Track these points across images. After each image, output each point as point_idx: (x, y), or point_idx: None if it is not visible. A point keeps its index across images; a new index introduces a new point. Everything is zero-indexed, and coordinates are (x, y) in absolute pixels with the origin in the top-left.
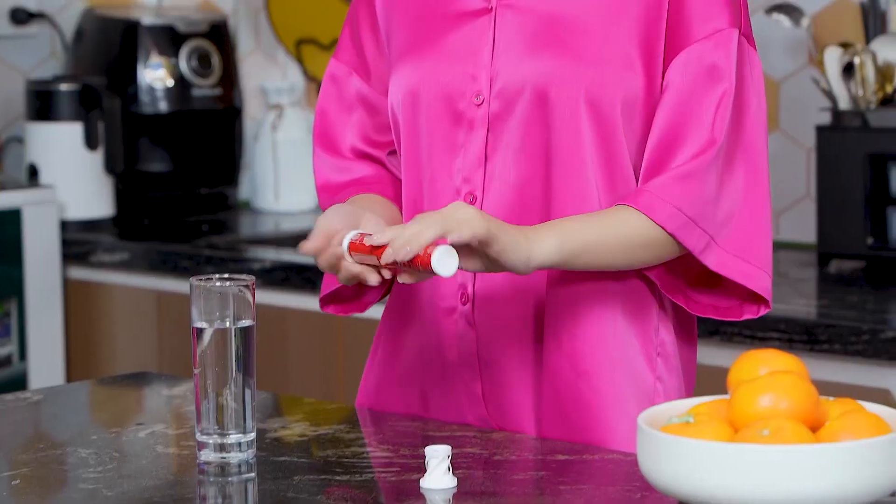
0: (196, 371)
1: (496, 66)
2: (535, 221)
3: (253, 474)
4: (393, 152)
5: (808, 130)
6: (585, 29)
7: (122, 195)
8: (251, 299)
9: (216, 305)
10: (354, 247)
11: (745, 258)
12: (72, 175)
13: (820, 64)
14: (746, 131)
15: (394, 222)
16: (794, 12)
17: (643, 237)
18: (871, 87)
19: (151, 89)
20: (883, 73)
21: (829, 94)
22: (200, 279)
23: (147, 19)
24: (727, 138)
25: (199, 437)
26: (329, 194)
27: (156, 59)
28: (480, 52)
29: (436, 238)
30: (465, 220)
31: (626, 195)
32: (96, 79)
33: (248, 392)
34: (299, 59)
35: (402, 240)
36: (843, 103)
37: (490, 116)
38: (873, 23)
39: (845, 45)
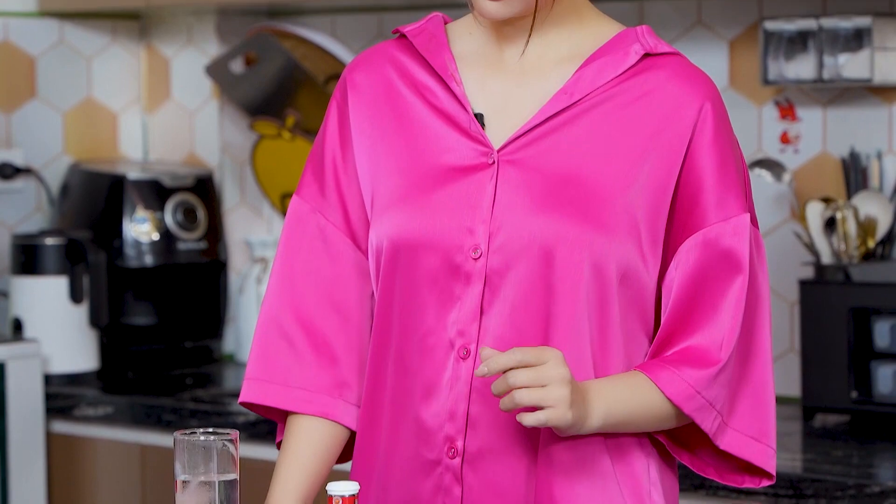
0: None
1: (497, 221)
2: None
3: None
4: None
5: (792, 284)
6: (594, 191)
7: (107, 348)
8: (235, 453)
9: (200, 459)
10: None
11: (755, 437)
12: (56, 329)
13: (802, 218)
14: (758, 316)
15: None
16: (776, 167)
17: (666, 412)
18: (853, 241)
19: (137, 243)
20: (864, 227)
21: (812, 249)
22: (184, 433)
23: (133, 174)
24: (742, 330)
25: None
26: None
27: (141, 213)
28: (479, 207)
29: (531, 404)
30: (559, 401)
31: (648, 366)
32: (82, 233)
33: None
34: (284, 213)
35: (518, 379)
36: (826, 258)
37: (488, 271)
38: (854, 178)
39: (827, 200)
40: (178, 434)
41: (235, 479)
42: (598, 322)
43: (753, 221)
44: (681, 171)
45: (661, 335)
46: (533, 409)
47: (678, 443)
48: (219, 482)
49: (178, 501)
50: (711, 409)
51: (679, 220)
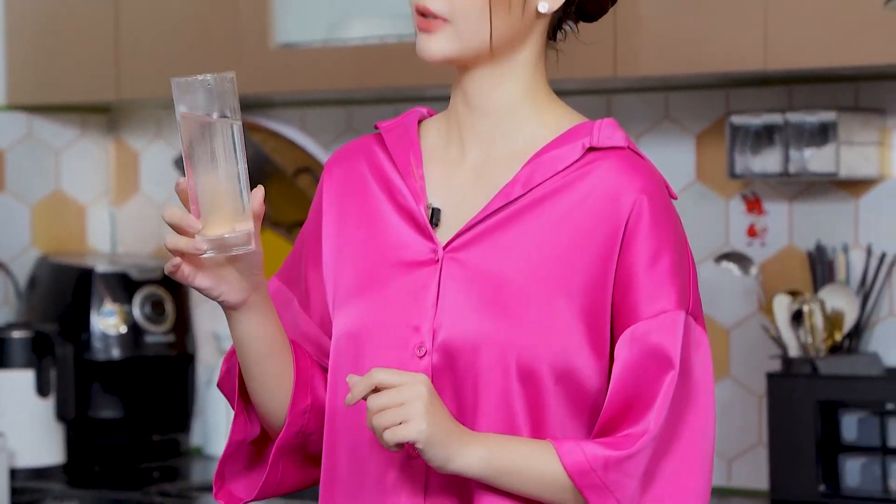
0: None
1: (439, 318)
2: None
3: None
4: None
5: (759, 377)
6: (527, 294)
7: (73, 442)
8: None
9: None
10: None
11: None
12: (22, 422)
13: (769, 312)
14: (690, 417)
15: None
16: (743, 261)
17: (562, 483)
18: (819, 334)
19: (104, 336)
20: (831, 321)
21: (779, 342)
22: None
23: (101, 267)
24: (667, 424)
25: None
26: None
27: (109, 306)
28: (424, 303)
29: (390, 424)
30: (415, 414)
31: (560, 438)
32: (49, 326)
33: None
34: None
35: (375, 403)
36: (793, 350)
37: (433, 369)
38: (821, 271)
39: (794, 294)
40: None
41: None
42: (534, 422)
43: (696, 317)
44: (616, 267)
45: (595, 429)
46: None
47: None
48: None
49: None
50: (609, 495)
51: (617, 315)
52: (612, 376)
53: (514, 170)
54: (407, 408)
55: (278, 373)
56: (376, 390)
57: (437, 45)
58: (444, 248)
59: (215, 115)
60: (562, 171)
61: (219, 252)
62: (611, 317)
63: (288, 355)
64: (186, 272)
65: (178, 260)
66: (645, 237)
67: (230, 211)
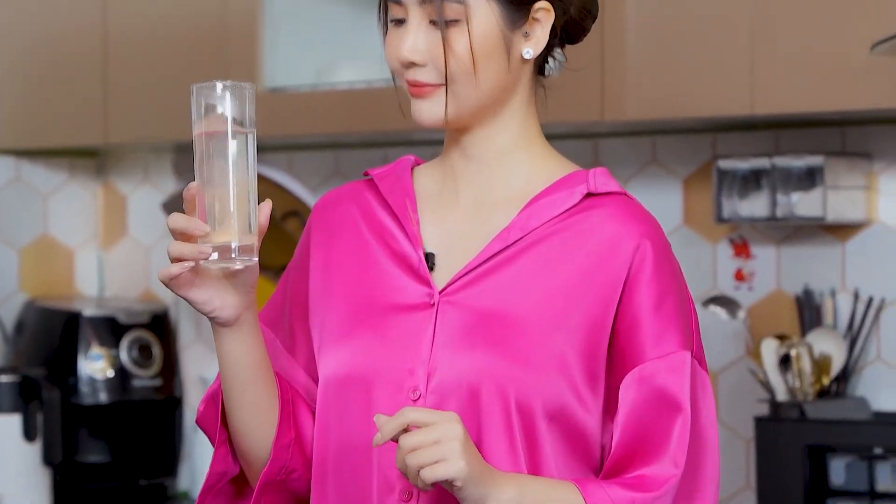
0: None
1: (434, 361)
2: None
3: None
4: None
5: (747, 421)
6: (523, 330)
7: (60, 486)
8: None
9: None
10: None
11: None
12: (9, 467)
13: (757, 356)
14: (701, 457)
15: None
16: (730, 304)
17: None
18: (807, 378)
19: (91, 380)
20: (819, 365)
21: (767, 386)
22: None
23: (88, 311)
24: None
25: None
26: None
27: (96, 350)
28: (419, 347)
29: (426, 463)
30: (451, 453)
31: (583, 479)
32: (36, 370)
33: None
34: None
35: (408, 442)
36: (781, 395)
37: None
38: (808, 315)
39: (782, 337)
40: None
41: None
42: (531, 459)
43: (699, 359)
44: (618, 309)
45: (605, 469)
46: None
47: None
48: None
49: None
50: None
51: (618, 357)
52: (619, 417)
53: (510, 214)
54: (443, 446)
55: (264, 400)
56: (406, 429)
57: (433, 111)
58: (441, 292)
59: (231, 125)
60: (559, 215)
61: (222, 260)
62: (607, 358)
63: (273, 383)
64: (183, 281)
65: (176, 267)
66: (649, 281)
67: (238, 222)
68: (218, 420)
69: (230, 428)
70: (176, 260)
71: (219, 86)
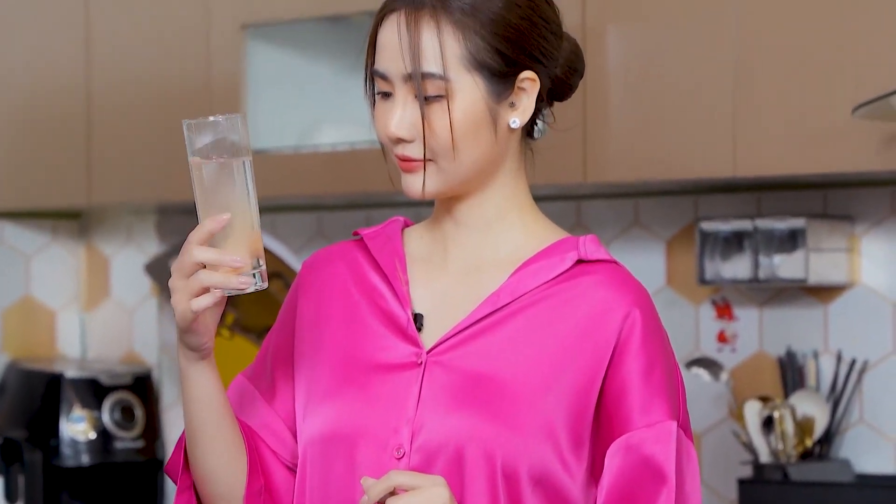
0: None
1: (419, 421)
2: None
3: None
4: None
5: (731, 483)
6: (511, 393)
7: None
8: None
9: None
10: None
11: None
12: None
13: (740, 417)
14: None
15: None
16: (713, 366)
17: None
18: (790, 440)
19: (73, 442)
20: (802, 426)
21: (750, 448)
22: None
23: (70, 372)
24: None
25: None
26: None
27: (78, 411)
28: (405, 406)
29: None
30: None
31: None
32: (18, 432)
33: None
34: None
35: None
36: (764, 457)
37: (411, 470)
38: (791, 377)
39: (765, 399)
40: None
41: None
42: None
43: (685, 429)
44: (605, 377)
45: None
46: None
47: None
48: None
49: None
50: None
51: (605, 423)
52: (604, 483)
53: (500, 278)
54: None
55: (232, 445)
56: (392, 492)
57: (424, 185)
58: (429, 352)
59: (227, 155)
60: (549, 281)
61: (259, 284)
62: (593, 424)
63: (238, 429)
64: (205, 304)
65: (209, 298)
66: (637, 349)
67: (249, 247)
68: (182, 465)
69: (198, 474)
70: (204, 291)
71: (210, 119)
